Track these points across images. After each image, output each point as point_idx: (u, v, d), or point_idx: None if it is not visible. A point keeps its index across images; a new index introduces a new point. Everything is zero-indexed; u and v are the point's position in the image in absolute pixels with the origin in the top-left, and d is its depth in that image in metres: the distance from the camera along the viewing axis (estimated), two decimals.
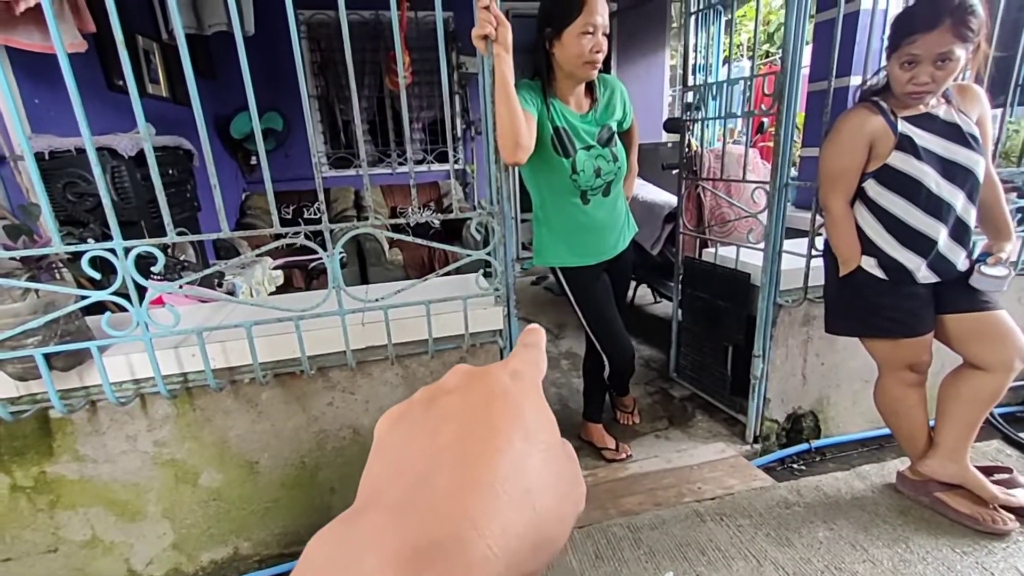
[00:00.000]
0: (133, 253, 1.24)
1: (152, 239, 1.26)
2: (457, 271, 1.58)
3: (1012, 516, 1.41)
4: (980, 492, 1.42)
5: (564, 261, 1.73)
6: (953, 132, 1.31)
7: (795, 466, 2.02)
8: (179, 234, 1.31)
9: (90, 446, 1.43)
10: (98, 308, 1.36)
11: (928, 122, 1.32)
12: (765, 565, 1.35)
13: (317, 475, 1.63)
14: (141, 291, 1.31)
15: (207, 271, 1.35)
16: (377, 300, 1.45)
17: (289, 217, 4.21)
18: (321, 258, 1.38)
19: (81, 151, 2.06)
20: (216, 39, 3.28)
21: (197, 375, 1.43)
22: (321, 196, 1.36)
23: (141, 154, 2.13)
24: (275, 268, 2.38)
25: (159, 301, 1.76)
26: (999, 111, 1.84)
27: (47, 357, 1.26)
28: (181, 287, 1.38)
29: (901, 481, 1.58)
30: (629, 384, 2.08)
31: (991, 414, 1.82)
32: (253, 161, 4.26)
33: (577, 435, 2.09)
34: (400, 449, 0.21)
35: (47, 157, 2.02)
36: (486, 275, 1.58)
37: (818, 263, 1.73)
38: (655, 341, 2.99)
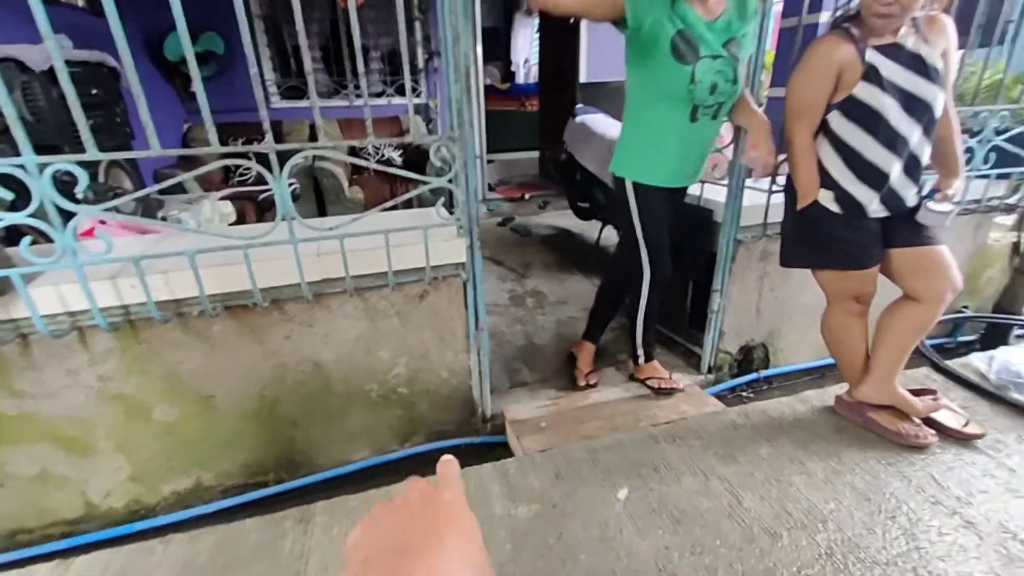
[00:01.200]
0: (49, 171, 1.12)
1: (71, 155, 1.13)
2: (420, 204, 1.52)
3: (933, 432, 1.54)
4: (907, 409, 1.54)
5: (646, 178, 1.63)
6: (917, 64, 1.31)
7: (744, 394, 2.14)
8: (109, 161, 1.19)
9: (27, 381, 1.35)
10: (19, 240, 1.24)
11: (895, 52, 1.30)
12: (712, 479, 1.45)
13: (277, 408, 1.61)
14: (67, 217, 1.19)
15: (141, 192, 1.24)
16: (331, 229, 1.38)
17: (239, 154, 3.91)
18: (270, 189, 1.29)
19: None
20: None
21: (139, 307, 1.35)
22: (266, 122, 1.24)
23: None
24: (222, 199, 2.23)
25: (90, 233, 1.64)
26: (960, 52, 1.85)
27: None
28: (116, 211, 1.27)
29: (838, 403, 1.70)
30: (644, 332, 1.93)
31: (922, 343, 1.95)
32: (194, 88, 3.90)
33: (569, 352, 2.13)
34: (375, 545, 0.32)
35: None
36: (448, 206, 1.53)
37: (777, 200, 1.75)
38: None
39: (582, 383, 2.00)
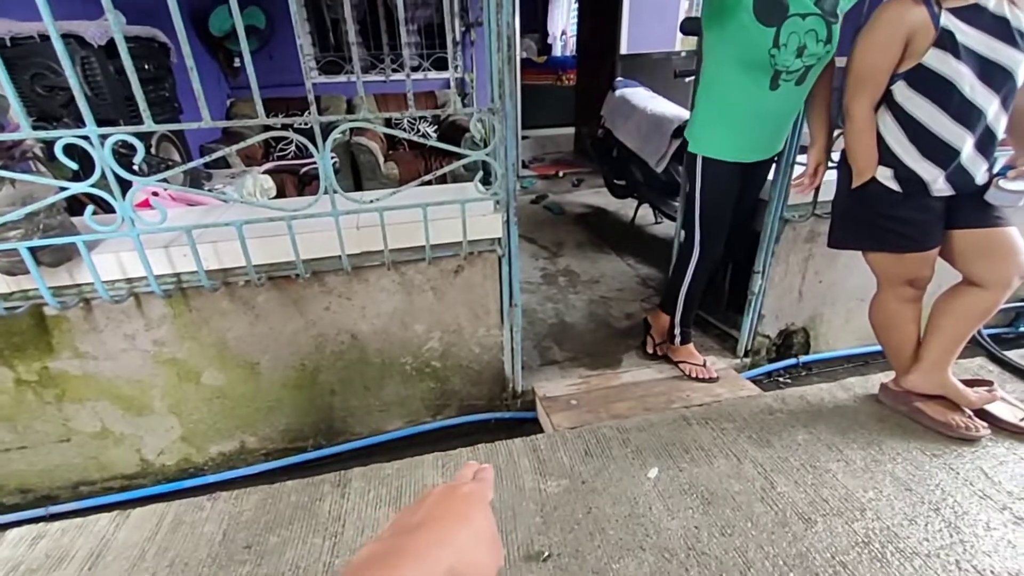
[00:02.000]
0: (109, 141, 1.17)
1: (128, 127, 1.18)
2: (455, 181, 1.52)
3: (985, 424, 1.47)
4: (959, 399, 1.47)
5: (717, 153, 1.55)
6: (1000, 27, 1.20)
7: (781, 380, 2.09)
8: (160, 134, 1.23)
9: (89, 343, 1.45)
10: (81, 211, 1.30)
11: (975, 15, 1.20)
12: (745, 462, 1.43)
13: (317, 377, 1.67)
14: (124, 186, 1.25)
15: (192, 164, 1.28)
16: (371, 202, 1.40)
17: (278, 127, 4.00)
18: (312, 163, 1.31)
19: (45, 38, 1.89)
20: None
21: (190, 276, 1.41)
22: (311, 94, 1.25)
23: (112, 45, 1.96)
24: (265, 172, 2.28)
25: (146, 204, 1.71)
26: None
27: (33, 252, 1.23)
28: (167, 183, 1.32)
29: (883, 392, 1.64)
30: (684, 313, 1.88)
31: (978, 332, 1.85)
32: (236, 63, 3.97)
33: (644, 318, 2.11)
34: (409, 516, 0.39)
35: (8, 44, 1.86)
36: (485, 181, 1.52)
37: (830, 177, 1.67)
38: (653, 261, 2.98)
39: (650, 350, 2.03)
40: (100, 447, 1.59)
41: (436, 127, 4.25)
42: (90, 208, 1.23)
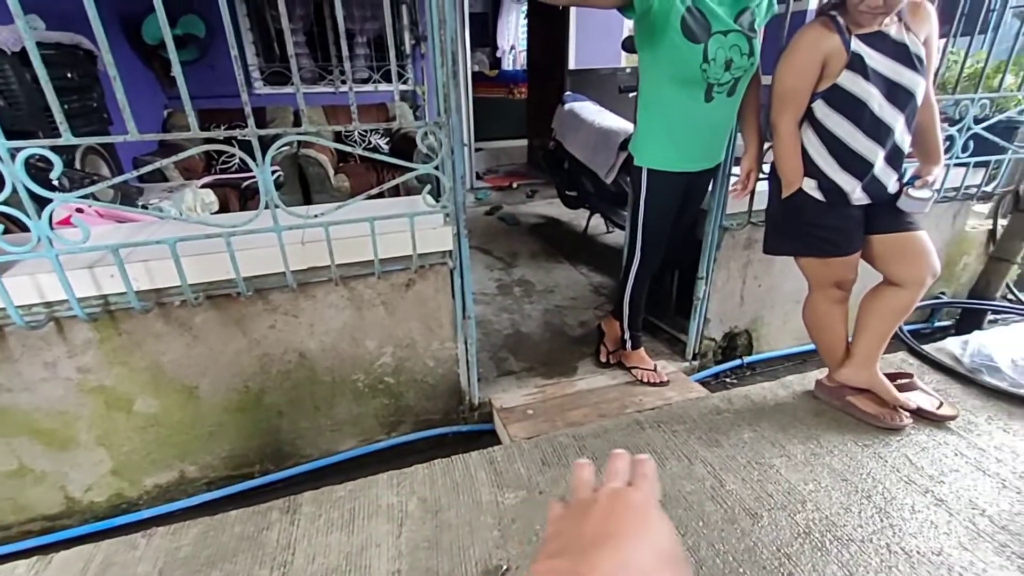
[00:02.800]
0: (21, 156, 1.08)
1: (43, 140, 1.10)
2: (407, 193, 1.51)
3: (908, 415, 1.59)
4: (884, 395, 1.58)
5: (664, 164, 1.60)
6: (901, 52, 1.32)
7: (728, 380, 2.18)
8: (86, 147, 1.16)
9: (3, 374, 1.32)
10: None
11: (879, 41, 1.31)
12: (695, 463, 1.47)
13: (263, 399, 1.60)
14: (43, 203, 1.16)
15: (119, 178, 1.21)
16: (316, 216, 1.36)
17: (220, 139, 3.84)
18: (254, 177, 1.26)
19: None
20: None
21: (119, 297, 1.33)
22: (247, 107, 1.21)
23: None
24: (204, 186, 2.18)
25: (66, 222, 1.60)
26: (943, 41, 1.87)
27: None
28: (91, 198, 1.24)
29: (819, 388, 1.74)
30: (631, 317, 1.93)
31: (900, 329, 2.00)
32: (174, 73, 3.80)
33: (598, 326, 2.12)
34: (575, 526, 0.36)
35: None
36: (434, 194, 1.51)
37: (762, 187, 1.77)
38: (606, 270, 3.05)
39: (603, 359, 2.06)
40: (16, 487, 1.45)
41: (388, 139, 4.21)
42: None
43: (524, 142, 6.12)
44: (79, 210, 1.62)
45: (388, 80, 4.44)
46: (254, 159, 1.26)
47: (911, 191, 1.42)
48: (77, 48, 2.27)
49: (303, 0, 4.10)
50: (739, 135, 1.75)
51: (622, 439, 1.58)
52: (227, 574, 1.19)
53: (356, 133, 4.07)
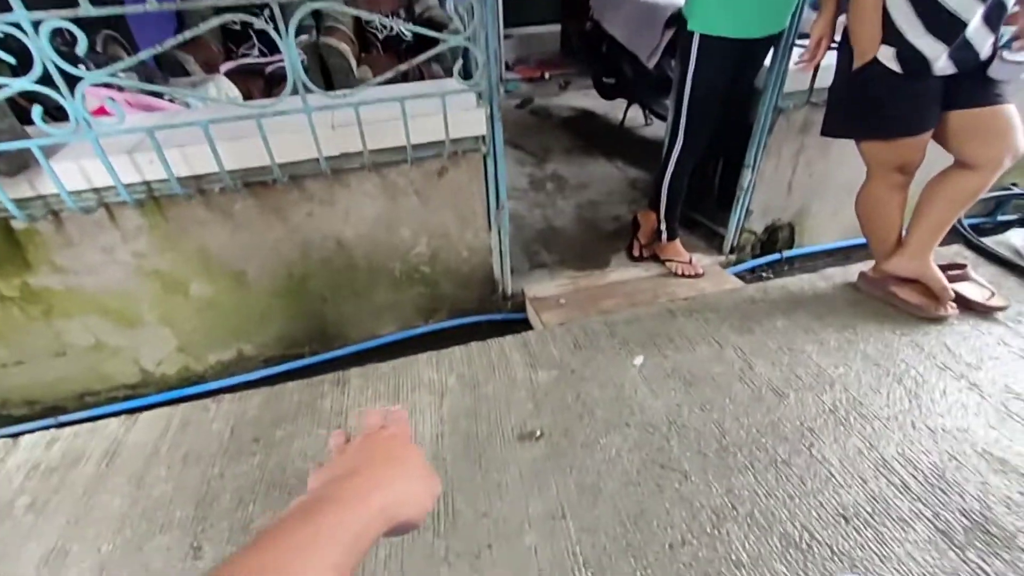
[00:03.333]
0: (45, 28, 1.05)
1: (64, 10, 1.05)
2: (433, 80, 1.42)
3: (954, 305, 1.54)
4: (932, 284, 1.52)
5: (720, 28, 1.44)
6: None
7: (764, 275, 2.14)
8: (106, 36, 1.10)
9: (66, 257, 1.41)
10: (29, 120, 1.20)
11: None
12: (726, 348, 1.50)
13: (306, 284, 1.67)
14: (71, 82, 1.15)
15: (144, 53, 1.17)
16: (345, 95, 1.31)
17: (238, 28, 3.64)
18: (279, 61, 1.20)
19: None
20: None
21: (161, 184, 1.35)
22: None
23: None
24: (226, 73, 2.11)
25: (102, 111, 1.59)
26: None
27: None
28: (120, 78, 1.22)
29: (861, 279, 1.69)
30: (668, 207, 1.86)
31: (959, 222, 1.88)
32: None
33: (633, 218, 2.04)
34: (342, 461, 0.42)
35: None
36: (466, 73, 1.42)
37: (828, 60, 1.58)
38: (643, 163, 2.91)
39: (636, 253, 2.03)
40: (97, 360, 1.61)
41: (412, 23, 3.90)
42: (38, 108, 1.14)
43: (557, 27, 5.58)
44: (111, 99, 1.60)
45: None
46: (278, 32, 1.19)
47: (1007, 54, 1.24)
48: None
49: None
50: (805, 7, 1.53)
51: (653, 326, 1.61)
52: (290, 432, 1.34)
53: (378, 21, 3.78)
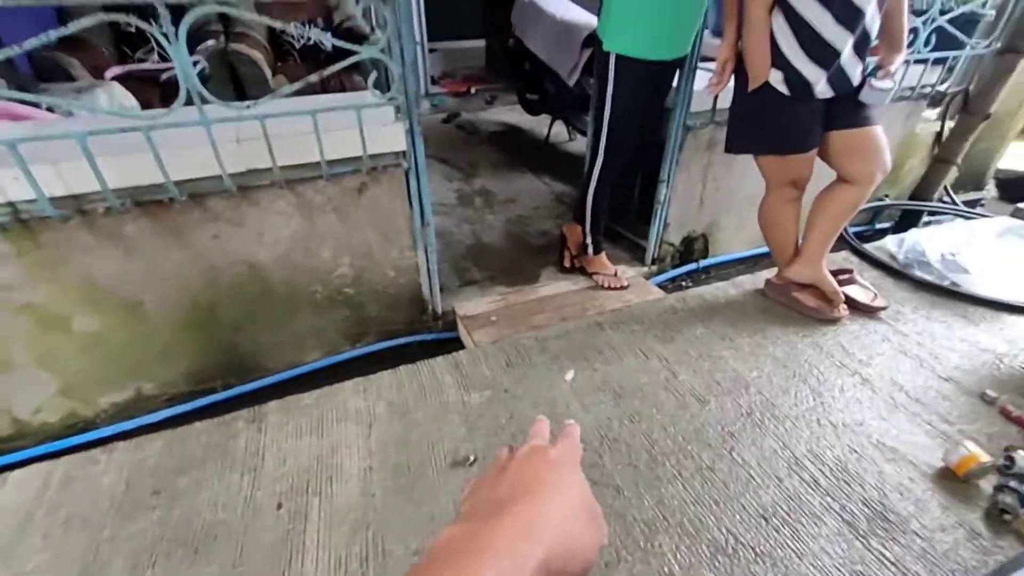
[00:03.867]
0: None
1: None
2: (352, 89, 1.37)
3: (845, 307, 1.70)
4: (826, 289, 1.68)
5: (635, 50, 1.50)
6: None
7: (684, 283, 2.25)
8: None
9: None
10: None
11: None
12: (651, 358, 1.55)
13: (216, 313, 1.53)
14: None
15: (5, 51, 1.02)
16: (248, 107, 1.22)
17: (132, 30, 3.34)
18: (173, 67, 1.09)
19: None
20: None
21: (29, 205, 1.18)
22: None
23: None
24: (115, 78, 1.91)
25: None
26: None
27: None
28: None
29: (767, 286, 1.83)
30: (592, 222, 1.91)
31: (845, 230, 2.09)
32: None
33: (560, 232, 2.09)
34: (490, 490, 0.34)
35: None
36: (382, 86, 1.38)
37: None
38: (568, 178, 2.99)
39: (567, 264, 2.07)
40: None
41: (330, 34, 3.77)
42: None
43: (482, 43, 5.65)
44: None
45: None
46: (165, 36, 1.08)
47: (874, 82, 1.40)
48: None
49: None
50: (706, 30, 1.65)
51: (583, 339, 1.63)
52: (197, 480, 1.20)
53: (292, 27, 3.62)
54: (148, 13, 1.07)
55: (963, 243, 2.00)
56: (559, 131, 3.50)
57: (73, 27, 1.00)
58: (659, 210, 2.02)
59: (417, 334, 1.87)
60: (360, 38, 3.49)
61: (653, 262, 2.17)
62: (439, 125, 3.88)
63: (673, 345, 1.60)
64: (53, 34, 0.99)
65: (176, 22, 1.06)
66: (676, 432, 1.30)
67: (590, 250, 1.97)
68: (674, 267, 2.26)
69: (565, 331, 1.67)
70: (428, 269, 1.73)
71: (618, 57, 1.53)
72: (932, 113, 2.50)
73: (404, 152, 1.47)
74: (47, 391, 1.45)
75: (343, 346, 1.79)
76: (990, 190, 3.03)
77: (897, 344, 1.60)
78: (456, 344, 1.87)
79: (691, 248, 2.26)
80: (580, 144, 3.41)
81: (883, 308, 1.71)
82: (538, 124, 3.72)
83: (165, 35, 1.07)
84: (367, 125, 1.36)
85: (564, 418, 1.32)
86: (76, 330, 1.40)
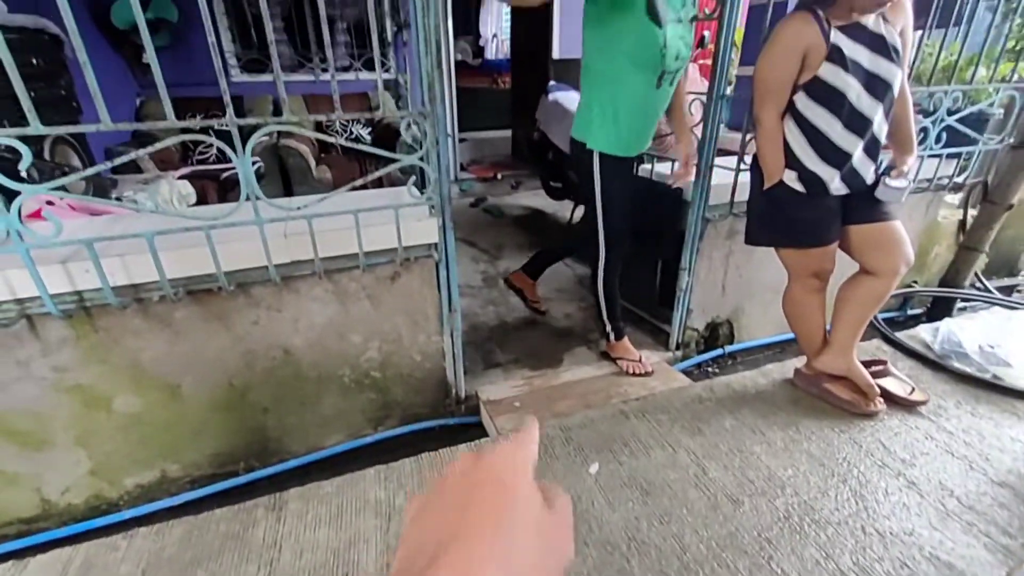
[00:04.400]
0: None
1: (9, 130, 1.05)
2: (391, 184, 1.50)
3: (882, 401, 1.64)
4: (859, 381, 1.63)
5: (614, 148, 1.65)
6: (878, 43, 1.34)
7: (711, 369, 2.22)
8: (55, 138, 1.12)
9: None
10: None
11: (858, 32, 1.34)
12: (679, 451, 1.50)
13: (247, 396, 1.57)
14: (9, 196, 1.12)
15: (93, 169, 1.17)
16: (299, 208, 1.34)
17: (198, 129, 3.75)
18: (234, 168, 1.23)
19: None
20: None
21: (94, 293, 1.29)
22: (226, 95, 1.18)
23: None
24: (181, 178, 2.12)
25: (37, 215, 1.54)
26: (918, 33, 1.91)
27: None
28: (62, 190, 1.20)
29: (797, 376, 1.78)
30: (609, 310, 1.97)
31: (875, 317, 2.06)
32: (146, 59, 3.67)
33: (512, 285, 2.33)
34: (423, 529, 0.27)
35: None
36: (419, 185, 1.50)
37: (744, 178, 1.79)
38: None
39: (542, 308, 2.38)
40: None
41: (371, 129, 4.14)
42: None
43: (508, 132, 6.08)
44: (50, 203, 1.56)
45: (369, 68, 4.35)
46: (233, 149, 1.23)
47: (888, 180, 1.45)
48: (42, 32, 2.17)
49: None
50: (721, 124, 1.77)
51: (608, 429, 1.60)
52: (213, 573, 1.18)
53: (338, 123, 4.00)
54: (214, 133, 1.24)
55: (1001, 333, 1.93)
56: (581, 214, 3.65)
57: (159, 145, 1.15)
58: (681, 296, 2.04)
59: (440, 418, 1.86)
60: (397, 132, 3.82)
61: (678, 347, 2.16)
62: (467, 209, 4.10)
63: (702, 438, 1.56)
64: (141, 152, 1.14)
65: (244, 139, 1.20)
66: (709, 536, 1.23)
67: (612, 336, 1.98)
68: (700, 353, 2.24)
69: (589, 420, 1.65)
70: (453, 354, 1.76)
71: (602, 155, 1.67)
72: (955, 199, 2.52)
73: (436, 244, 1.56)
74: (79, 471, 1.48)
75: (366, 429, 1.79)
76: None
77: (942, 443, 1.51)
78: (479, 429, 1.85)
79: (716, 333, 2.25)
80: None
81: (923, 402, 1.64)
82: (561, 208, 3.88)
83: (233, 148, 1.21)
84: (403, 220, 1.46)
85: (590, 516, 1.28)
86: (116, 410, 1.45)
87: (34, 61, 2.03)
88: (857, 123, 1.38)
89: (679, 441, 1.55)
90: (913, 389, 1.67)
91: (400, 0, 4.15)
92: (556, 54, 5.01)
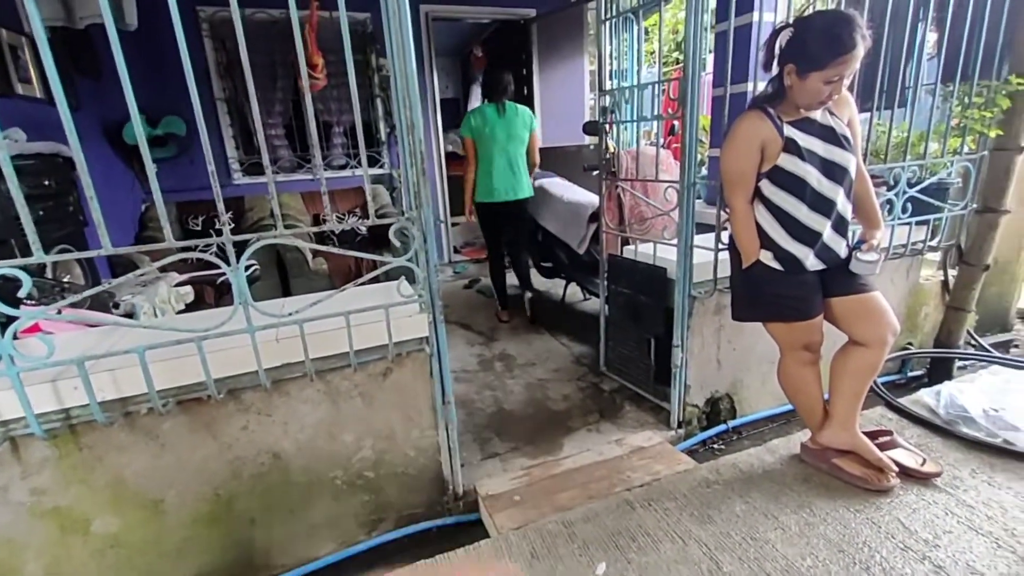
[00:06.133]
0: None
1: (13, 260, 1.10)
2: (386, 276, 1.54)
3: (895, 475, 1.58)
4: (868, 456, 1.58)
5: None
6: (828, 133, 1.45)
7: (715, 446, 2.15)
8: (61, 251, 1.17)
9: None
10: None
11: (808, 125, 1.45)
12: (690, 544, 1.42)
13: (233, 507, 1.51)
14: (6, 320, 1.15)
15: (90, 291, 1.21)
16: (291, 314, 1.37)
17: (199, 228, 3.91)
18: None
19: None
20: (101, 34, 2.97)
21: (81, 410, 1.28)
22: (220, 206, 1.25)
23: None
24: (179, 284, 2.18)
25: (35, 329, 1.56)
26: (866, 114, 2.08)
27: None
28: (59, 312, 1.23)
29: (804, 451, 1.73)
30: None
31: (875, 383, 2.04)
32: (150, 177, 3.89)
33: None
34: None
35: None
36: (409, 281, 1.54)
37: (725, 256, 1.86)
38: (585, 338, 3.07)
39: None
40: None
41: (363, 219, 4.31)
42: None
43: None
44: (45, 324, 1.59)
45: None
46: (228, 263, 1.28)
47: (859, 255, 1.50)
48: (56, 156, 2.32)
49: (281, 97, 4.33)
50: (699, 200, 1.86)
51: (612, 522, 1.52)
52: None
53: (334, 216, 4.18)
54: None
55: (1003, 395, 1.91)
56: (573, 292, 3.71)
57: (162, 263, 1.20)
58: (677, 373, 2.03)
59: (437, 518, 1.77)
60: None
61: (679, 425, 2.11)
62: (461, 291, 4.17)
63: (712, 526, 1.48)
64: (142, 274, 1.19)
65: (238, 254, 1.26)
66: None
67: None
68: (702, 429, 2.18)
69: (593, 513, 1.57)
70: (449, 447, 1.71)
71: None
72: (936, 256, 2.58)
73: (427, 338, 1.57)
74: None
75: (359, 535, 1.69)
76: (1020, 330, 2.98)
77: (964, 518, 1.44)
78: (478, 527, 1.75)
79: (717, 408, 2.21)
80: (594, 303, 3.57)
81: (937, 474, 1.58)
82: (553, 286, 3.96)
83: (227, 262, 1.26)
84: (394, 318, 1.48)
85: None
86: (94, 532, 1.38)
87: (46, 182, 2.15)
88: (821, 205, 1.46)
89: (689, 532, 1.47)
90: (924, 460, 1.62)
91: (393, 106, 4.52)
92: (539, 143, 5.34)
